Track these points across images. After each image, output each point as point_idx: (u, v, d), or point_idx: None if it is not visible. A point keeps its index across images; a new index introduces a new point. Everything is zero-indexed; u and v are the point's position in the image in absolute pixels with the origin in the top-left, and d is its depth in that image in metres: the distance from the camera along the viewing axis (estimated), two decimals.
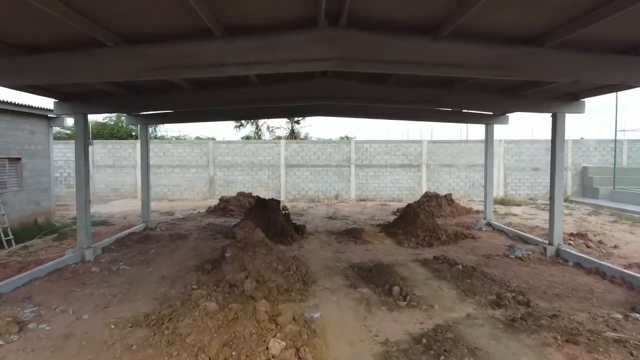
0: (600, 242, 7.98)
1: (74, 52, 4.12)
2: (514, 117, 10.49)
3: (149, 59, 4.11)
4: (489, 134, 10.25)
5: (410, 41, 4.19)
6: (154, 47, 4.07)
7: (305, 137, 26.52)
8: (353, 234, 8.66)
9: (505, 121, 10.17)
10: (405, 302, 4.65)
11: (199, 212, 12.45)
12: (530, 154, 16.44)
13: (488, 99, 7.25)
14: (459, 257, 6.84)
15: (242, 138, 25.21)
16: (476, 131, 22.16)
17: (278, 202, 9.28)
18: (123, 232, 8.78)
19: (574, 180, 16.37)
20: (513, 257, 6.95)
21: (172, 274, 5.91)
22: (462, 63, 4.27)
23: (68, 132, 24.10)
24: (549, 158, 16.98)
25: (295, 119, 23.62)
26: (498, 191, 16.26)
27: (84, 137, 6.85)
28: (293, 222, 9.33)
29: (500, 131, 14.23)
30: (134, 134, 23.83)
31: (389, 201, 15.71)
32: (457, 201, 13.15)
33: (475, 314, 4.38)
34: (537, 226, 9.99)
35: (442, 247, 7.75)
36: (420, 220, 8.53)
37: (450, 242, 8.05)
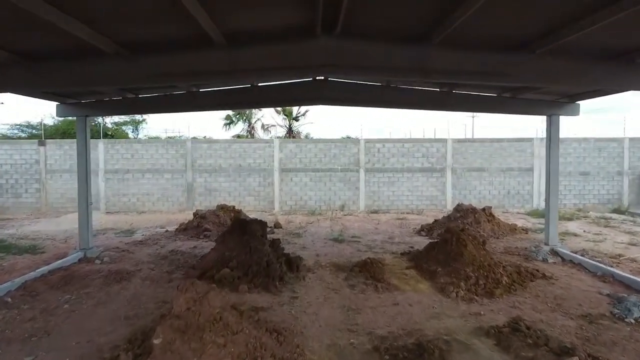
0: None
1: None
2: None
3: None
4: (552, 128, 7.77)
5: None
6: None
7: (306, 138, 24.11)
8: (371, 271, 6.20)
9: (574, 111, 7.73)
10: None
11: (166, 231, 10.00)
12: (577, 155, 13.96)
13: (586, 70, 4.77)
14: (546, 321, 4.41)
15: (233, 137, 22.80)
16: (483, 128, 19.75)
17: (263, 224, 6.82)
18: (43, 269, 6.35)
19: (632, 188, 13.88)
20: (632, 321, 4.49)
21: None
22: None
23: (33, 131, 21.78)
24: (600, 160, 14.59)
25: (294, 114, 21.17)
26: (539, 201, 13.80)
27: None
28: (285, 252, 6.87)
29: (533, 127, 11.98)
30: (109, 133, 21.46)
31: (407, 213, 13.24)
32: (498, 216, 10.67)
33: None
34: (619, 255, 7.51)
35: (508, 296, 5.29)
36: (469, 253, 6.06)
37: (516, 287, 5.59)
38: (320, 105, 7.86)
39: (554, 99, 7.59)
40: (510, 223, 10.46)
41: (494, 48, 4.58)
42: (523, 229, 10.14)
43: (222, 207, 10.39)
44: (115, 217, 12.74)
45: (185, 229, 9.73)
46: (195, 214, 10.15)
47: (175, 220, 11.71)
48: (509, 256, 7.44)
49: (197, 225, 9.61)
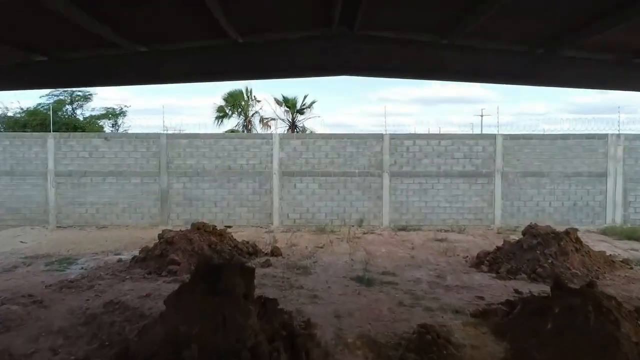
0: None
1: None
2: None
3: None
4: None
5: None
6: None
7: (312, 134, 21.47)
8: None
9: None
10: None
11: (119, 261, 7.41)
12: None
13: None
14: None
15: (226, 132, 20.18)
16: (489, 127, 17.00)
17: (249, 273, 4.10)
18: None
19: None
20: None
21: None
22: None
23: None
24: None
25: (298, 106, 18.54)
26: (614, 214, 11.10)
27: None
28: (286, 312, 4.18)
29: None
30: (80, 127, 18.84)
31: (445, 231, 10.57)
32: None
33: None
34: None
35: None
36: (627, 339, 3.36)
37: None
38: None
39: None
40: (601, 252, 7.76)
41: None
42: (623, 262, 7.44)
43: (199, 227, 7.73)
44: (65, 233, 10.17)
45: (144, 259, 7.09)
46: (160, 237, 7.50)
47: (142, 240, 9.12)
48: None
49: (160, 255, 6.97)
